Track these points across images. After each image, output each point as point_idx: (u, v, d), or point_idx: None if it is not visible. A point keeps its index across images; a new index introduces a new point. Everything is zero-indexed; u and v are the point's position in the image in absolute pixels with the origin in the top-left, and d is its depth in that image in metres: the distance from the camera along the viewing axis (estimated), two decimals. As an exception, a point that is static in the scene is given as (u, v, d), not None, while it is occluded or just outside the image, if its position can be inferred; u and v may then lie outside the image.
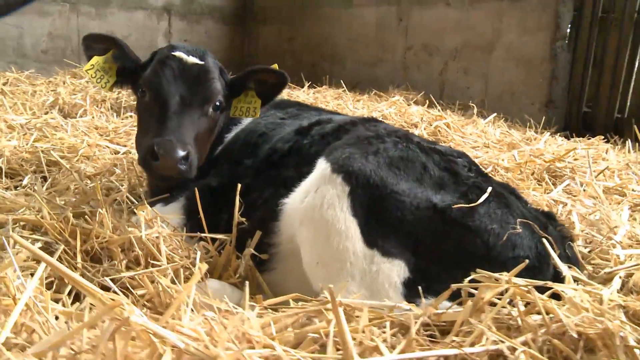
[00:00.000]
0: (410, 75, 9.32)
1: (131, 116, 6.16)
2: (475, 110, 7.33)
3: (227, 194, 2.91)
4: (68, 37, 9.86)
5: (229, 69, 3.52)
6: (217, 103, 3.15)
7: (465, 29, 8.33)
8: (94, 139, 4.78)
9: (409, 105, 6.97)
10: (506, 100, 7.94)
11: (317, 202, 2.30)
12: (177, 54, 3.10)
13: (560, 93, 7.44)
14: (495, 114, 6.81)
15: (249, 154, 3.23)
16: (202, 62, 3.11)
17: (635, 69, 6.95)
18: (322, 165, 2.43)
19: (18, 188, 3.62)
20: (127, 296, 2.16)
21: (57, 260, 1.99)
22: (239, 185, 2.73)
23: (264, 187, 2.91)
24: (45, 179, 3.87)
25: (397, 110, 6.53)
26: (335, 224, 2.22)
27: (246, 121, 3.54)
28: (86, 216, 2.65)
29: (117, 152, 4.58)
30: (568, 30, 7.26)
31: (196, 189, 2.83)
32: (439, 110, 6.60)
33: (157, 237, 2.53)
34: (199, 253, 2.47)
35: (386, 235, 2.17)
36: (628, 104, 7.04)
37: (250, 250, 2.63)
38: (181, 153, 2.73)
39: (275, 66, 3.38)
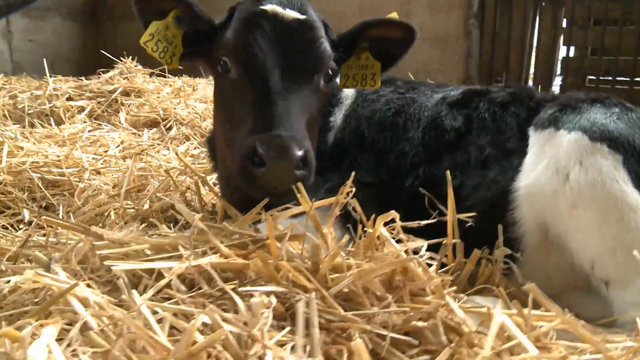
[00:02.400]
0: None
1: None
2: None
3: (392, 191, 2.45)
4: None
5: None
6: (330, 71, 2.38)
7: (370, 12, 8.33)
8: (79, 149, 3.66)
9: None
10: (423, 79, 8.15)
11: (594, 178, 2.03)
12: (269, 8, 2.29)
13: (476, 69, 7.88)
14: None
15: (390, 138, 2.66)
16: (304, 16, 2.31)
17: (535, 43, 7.67)
18: (568, 136, 2.18)
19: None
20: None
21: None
22: (447, 176, 2.16)
23: (454, 174, 2.39)
24: (46, 207, 2.86)
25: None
26: (626, 200, 1.99)
27: (347, 99, 2.89)
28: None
29: (124, 158, 3.56)
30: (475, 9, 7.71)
31: (355, 202, 2.05)
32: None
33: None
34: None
35: None
36: (532, 75, 7.74)
37: (503, 250, 2.15)
38: (298, 153, 1.96)
39: (395, 15, 2.64)
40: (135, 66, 5.87)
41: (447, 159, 2.53)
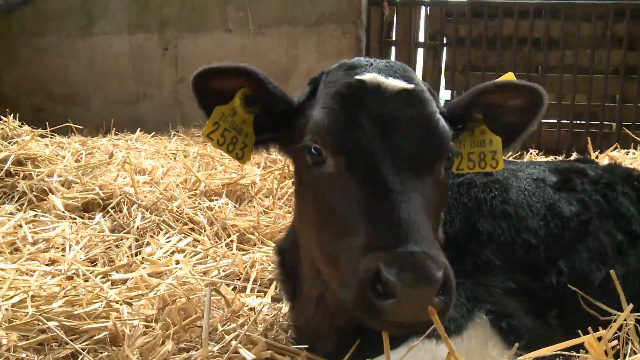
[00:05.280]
0: (186, 110, 8.21)
1: None
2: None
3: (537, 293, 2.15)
4: None
5: None
6: (450, 155, 1.85)
7: (253, 56, 7.88)
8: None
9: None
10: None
11: None
12: (369, 78, 1.79)
13: (367, 112, 7.92)
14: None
15: (508, 229, 2.28)
16: (412, 85, 1.81)
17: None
18: None
19: None
20: None
21: None
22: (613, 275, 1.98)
23: (596, 265, 2.26)
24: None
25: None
26: None
27: None
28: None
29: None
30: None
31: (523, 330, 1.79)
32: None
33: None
34: None
35: None
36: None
37: None
38: (438, 276, 1.46)
39: (511, 76, 2.17)
40: (20, 125, 4.62)
41: (583, 250, 2.31)
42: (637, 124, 7.06)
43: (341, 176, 1.70)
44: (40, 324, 1.96)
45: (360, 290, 1.47)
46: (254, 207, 3.91)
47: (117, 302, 2.25)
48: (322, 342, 2.02)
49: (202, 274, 2.77)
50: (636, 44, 7.10)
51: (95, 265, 2.95)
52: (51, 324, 1.95)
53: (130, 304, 2.28)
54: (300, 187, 1.95)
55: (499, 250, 2.20)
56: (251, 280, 2.77)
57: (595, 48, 7.14)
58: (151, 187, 3.83)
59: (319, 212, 1.78)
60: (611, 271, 1.97)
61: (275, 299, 2.68)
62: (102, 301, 2.22)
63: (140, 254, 3.11)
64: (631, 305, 1.78)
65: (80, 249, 3.02)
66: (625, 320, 1.73)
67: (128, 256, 3.06)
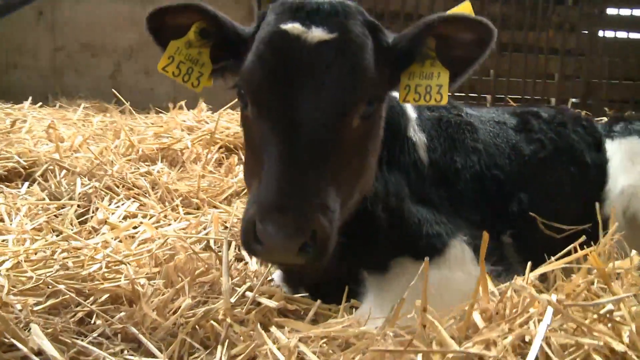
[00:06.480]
0: (66, 81, 7.56)
1: None
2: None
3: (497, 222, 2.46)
4: None
5: None
6: (370, 102, 1.88)
7: (142, 25, 7.38)
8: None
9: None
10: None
11: None
12: (290, 27, 1.80)
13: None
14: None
15: (479, 163, 2.54)
16: (334, 35, 1.80)
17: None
18: None
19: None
20: None
21: None
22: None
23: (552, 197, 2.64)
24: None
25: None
26: None
27: (411, 113, 2.48)
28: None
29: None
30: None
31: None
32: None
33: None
34: None
35: None
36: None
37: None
38: (299, 238, 1.61)
39: (468, 6, 2.13)
40: None
41: (543, 183, 2.64)
42: (509, 96, 7.87)
43: (254, 124, 1.85)
44: (50, 287, 1.77)
45: (244, 234, 1.68)
46: (188, 172, 3.80)
47: (120, 262, 2.09)
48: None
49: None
50: (508, 24, 7.87)
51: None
52: (61, 287, 1.76)
53: (126, 264, 2.12)
54: (241, 125, 2.11)
55: (472, 181, 2.46)
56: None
57: (473, 26, 7.81)
58: (79, 153, 3.52)
59: (247, 151, 2.04)
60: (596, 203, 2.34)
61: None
62: (101, 262, 2.04)
63: (87, 222, 2.88)
64: (617, 224, 2.07)
65: (22, 217, 2.71)
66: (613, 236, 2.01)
67: (75, 224, 2.82)
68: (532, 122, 2.82)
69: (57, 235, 2.57)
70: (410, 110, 2.49)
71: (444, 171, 2.43)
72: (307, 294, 2.15)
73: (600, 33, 7.88)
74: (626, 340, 1.46)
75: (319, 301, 1.99)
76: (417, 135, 2.43)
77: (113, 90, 5.53)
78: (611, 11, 7.79)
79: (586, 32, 7.85)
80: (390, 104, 2.24)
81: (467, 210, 2.40)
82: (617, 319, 1.54)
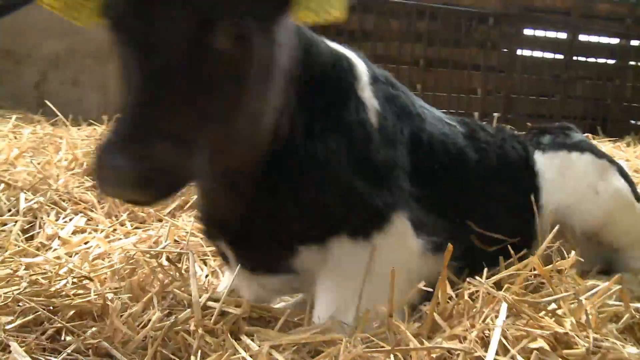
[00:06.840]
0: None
1: None
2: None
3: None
4: None
5: None
6: (243, 18, 1.57)
7: (70, 34, 7.21)
8: None
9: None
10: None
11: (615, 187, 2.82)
12: None
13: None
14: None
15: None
16: None
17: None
18: (584, 157, 2.86)
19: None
20: None
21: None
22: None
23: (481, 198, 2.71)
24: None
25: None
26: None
27: (362, 74, 2.26)
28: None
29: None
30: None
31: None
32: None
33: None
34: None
35: None
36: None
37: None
38: (135, 171, 1.38)
39: None
40: None
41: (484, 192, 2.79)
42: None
43: (117, 55, 1.59)
44: (21, 304, 1.73)
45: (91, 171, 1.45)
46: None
47: (86, 278, 2.07)
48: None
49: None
50: (434, 40, 8.29)
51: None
52: (32, 304, 1.74)
53: (90, 279, 2.10)
54: None
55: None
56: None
57: (402, 42, 8.16)
58: (18, 167, 3.41)
59: None
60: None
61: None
62: (66, 278, 2.02)
63: (34, 238, 2.81)
64: (557, 227, 2.29)
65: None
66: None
67: (21, 241, 2.74)
68: (479, 132, 2.94)
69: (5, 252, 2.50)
70: (361, 71, 2.26)
71: (392, 141, 2.22)
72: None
73: (519, 51, 8.47)
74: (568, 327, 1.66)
75: (288, 310, 2.05)
76: (370, 99, 2.22)
77: (46, 101, 5.33)
78: (527, 32, 8.41)
79: (506, 50, 8.42)
80: (336, 57, 2.12)
81: (409, 184, 2.25)
82: (560, 313, 1.74)
